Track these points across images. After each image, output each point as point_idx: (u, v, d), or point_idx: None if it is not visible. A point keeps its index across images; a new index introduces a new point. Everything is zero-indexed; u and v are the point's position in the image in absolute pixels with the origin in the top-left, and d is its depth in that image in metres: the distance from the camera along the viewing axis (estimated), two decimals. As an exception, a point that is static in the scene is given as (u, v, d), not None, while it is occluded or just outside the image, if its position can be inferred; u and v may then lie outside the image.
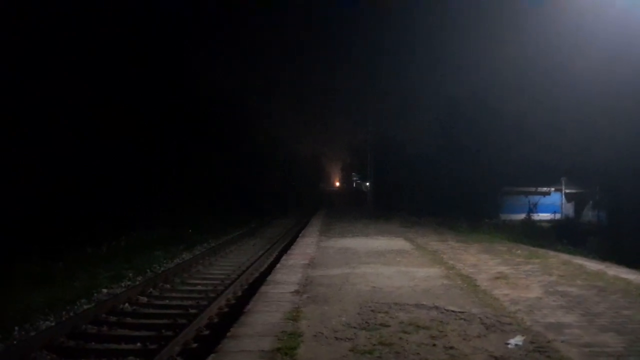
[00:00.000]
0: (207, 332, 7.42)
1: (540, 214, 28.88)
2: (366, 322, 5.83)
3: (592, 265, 10.33)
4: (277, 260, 13.74)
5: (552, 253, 12.27)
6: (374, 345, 5.02)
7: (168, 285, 10.76)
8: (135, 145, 25.36)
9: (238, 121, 37.45)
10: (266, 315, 6.07)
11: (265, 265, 13.45)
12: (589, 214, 31.80)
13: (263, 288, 7.59)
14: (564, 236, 18.69)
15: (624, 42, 24.70)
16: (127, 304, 9.02)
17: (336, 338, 5.24)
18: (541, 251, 12.60)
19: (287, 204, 45.15)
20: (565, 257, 11.62)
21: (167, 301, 9.50)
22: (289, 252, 11.72)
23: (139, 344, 6.96)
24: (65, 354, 6.53)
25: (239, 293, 10.05)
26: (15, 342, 6.85)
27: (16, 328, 7.34)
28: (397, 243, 13.71)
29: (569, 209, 33.32)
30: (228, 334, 5.32)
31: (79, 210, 20.40)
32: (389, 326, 5.72)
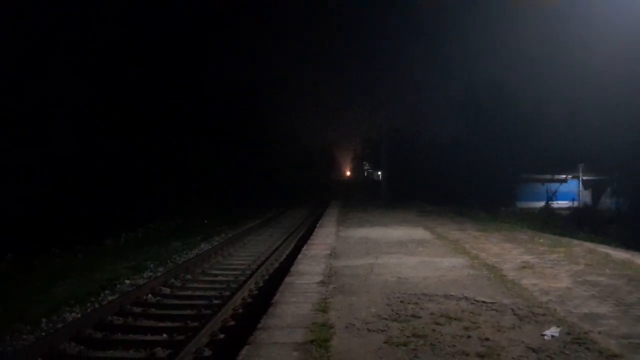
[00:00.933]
0: (232, 323, 7.40)
1: (558, 202, 28.53)
2: (396, 314, 5.76)
3: (618, 253, 10.16)
4: (296, 250, 13.72)
5: (575, 242, 12.09)
6: (408, 337, 4.95)
7: (189, 276, 10.77)
8: (149, 140, 25.51)
9: (254, 114, 37.47)
10: (294, 306, 6.01)
11: (285, 256, 13.42)
12: (606, 201, 31.38)
13: (288, 279, 7.54)
14: (584, 224, 18.46)
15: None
16: (150, 295, 9.02)
17: (368, 330, 5.17)
18: (564, 240, 12.43)
19: (301, 194, 45.15)
20: (589, 245, 11.44)
21: (190, 292, 9.50)
22: (309, 242, 11.66)
23: (165, 335, 6.95)
24: (93, 346, 6.53)
25: (261, 283, 10.03)
26: (43, 334, 6.88)
27: (43, 320, 7.37)
28: (417, 232, 13.59)
29: (586, 196, 32.89)
30: (259, 325, 5.28)
31: (95, 205, 20.62)
32: (420, 317, 5.64)
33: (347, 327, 5.28)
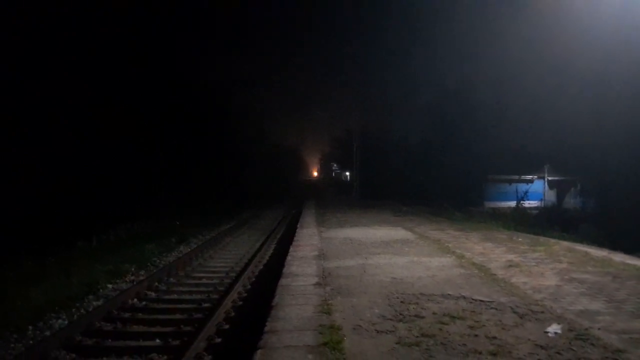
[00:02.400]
0: (227, 327, 7.29)
1: (529, 202, 29.35)
2: (400, 314, 5.78)
3: (596, 252, 10.50)
4: (278, 252, 13.68)
5: (552, 240, 12.43)
6: (417, 337, 4.98)
7: (173, 279, 10.56)
8: (122, 143, 25.03)
9: (224, 114, 37.08)
10: (297, 309, 5.97)
11: (267, 257, 13.34)
12: (570, 201, 32.49)
13: (283, 281, 7.47)
14: (553, 223, 19.00)
15: (600, 30, 25.20)
16: (136, 300, 8.81)
17: (377, 331, 5.18)
18: (542, 238, 12.77)
19: (272, 194, 44.92)
20: (566, 244, 11.78)
21: (176, 295, 9.32)
22: (294, 243, 11.59)
23: (158, 341, 6.79)
24: (86, 353, 6.32)
25: (249, 286, 9.93)
26: (31, 342, 6.61)
27: (30, 327, 7.09)
28: (398, 233, 13.72)
29: (551, 196, 33.96)
30: (266, 328, 5.21)
31: (60, 207, 20.05)
32: (423, 317, 5.68)
33: (354, 328, 5.27)
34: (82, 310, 8.11)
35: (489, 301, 6.37)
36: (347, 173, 77.10)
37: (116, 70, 23.43)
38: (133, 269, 11.50)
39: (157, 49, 27.98)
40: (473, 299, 6.47)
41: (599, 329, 5.31)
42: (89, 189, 22.87)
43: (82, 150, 22.66)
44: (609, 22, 24.24)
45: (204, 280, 10.56)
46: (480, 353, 4.56)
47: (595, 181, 26.56)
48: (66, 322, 7.47)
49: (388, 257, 9.66)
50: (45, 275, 10.85)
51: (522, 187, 31.94)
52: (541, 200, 32.39)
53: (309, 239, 12.23)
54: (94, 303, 8.57)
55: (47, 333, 6.95)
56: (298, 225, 15.68)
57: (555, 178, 34.68)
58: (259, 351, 4.54)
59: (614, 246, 12.43)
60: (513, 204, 28.65)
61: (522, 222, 18.32)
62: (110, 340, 6.80)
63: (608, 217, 19.60)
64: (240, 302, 8.67)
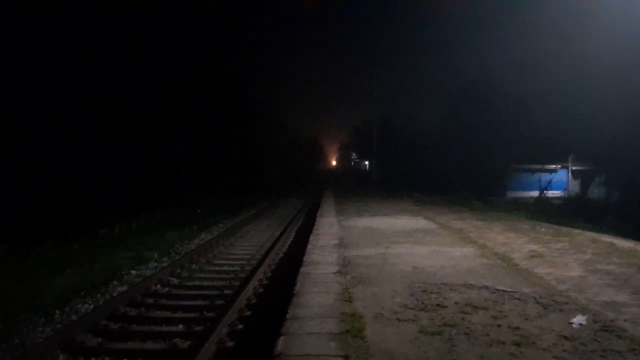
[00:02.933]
0: (249, 313, 7.36)
1: (552, 192, 28.93)
2: (422, 303, 5.76)
3: (622, 243, 10.30)
4: (297, 240, 13.74)
5: (576, 231, 12.24)
6: (440, 326, 4.96)
7: (195, 266, 10.70)
8: (140, 133, 25.32)
9: (245, 104, 37.25)
10: (318, 296, 5.99)
11: (287, 246, 13.41)
12: (594, 191, 31.91)
13: (304, 269, 7.50)
14: (577, 213, 18.71)
15: (627, 21, 24.59)
16: (159, 286, 8.95)
17: (399, 320, 5.17)
18: (565, 229, 12.58)
19: (291, 184, 45.09)
20: (590, 234, 11.59)
21: (198, 282, 9.44)
22: (314, 231, 11.62)
23: (181, 326, 6.89)
24: (111, 337, 6.44)
25: (269, 274, 10.00)
26: (58, 326, 6.77)
27: (57, 311, 7.26)
28: (419, 222, 13.65)
29: (575, 186, 33.37)
30: (288, 315, 5.24)
31: (90, 197, 20.44)
32: (445, 307, 5.65)
33: (375, 317, 5.27)
34: (107, 296, 8.27)
35: (511, 291, 6.30)
36: (366, 162, 76.95)
37: (141, 60, 23.65)
38: (156, 256, 11.67)
39: (181, 40, 28.15)
40: (496, 289, 6.41)
41: (625, 320, 5.22)
42: (112, 179, 23.24)
43: (106, 141, 23.03)
44: (637, 12, 23.66)
45: (225, 268, 10.68)
46: (503, 343, 4.52)
47: (620, 171, 25.99)
48: (92, 307, 7.63)
49: (409, 246, 9.62)
50: (70, 261, 11.09)
51: (546, 176, 31.48)
52: (565, 190, 31.87)
53: (329, 228, 12.25)
54: (119, 289, 8.73)
55: (74, 317, 7.11)
56: (318, 214, 15.71)
57: (579, 168, 34.06)
58: (281, 337, 4.58)
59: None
60: (536, 193, 28.31)
61: (545, 212, 18.04)
62: (134, 325, 6.92)
63: (633, 207, 19.19)
64: (262, 290, 8.74)
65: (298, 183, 48.27)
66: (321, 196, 25.82)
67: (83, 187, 21.47)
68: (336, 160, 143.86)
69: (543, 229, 12.30)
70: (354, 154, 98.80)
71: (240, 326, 6.79)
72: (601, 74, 30.97)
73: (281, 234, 15.02)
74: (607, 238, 10.99)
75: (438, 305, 5.72)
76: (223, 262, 11.29)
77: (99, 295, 8.27)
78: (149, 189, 25.00)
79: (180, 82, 27.91)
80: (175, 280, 9.43)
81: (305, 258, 8.41)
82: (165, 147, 27.95)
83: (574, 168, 34.13)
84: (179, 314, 7.41)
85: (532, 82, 35.73)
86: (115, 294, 8.31)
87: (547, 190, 27.20)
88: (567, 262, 8.25)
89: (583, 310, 5.55)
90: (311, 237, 10.70)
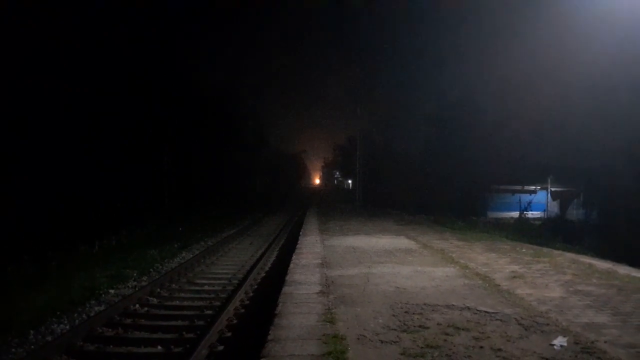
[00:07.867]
0: (229, 334, 7.24)
1: (532, 212, 29.29)
2: (404, 324, 5.74)
3: (601, 264, 10.43)
4: (279, 260, 13.64)
5: (556, 252, 12.36)
6: (422, 348, 4.94)
7: (175, 286, 10.53)
8: (121, 150, 25.15)
9: (228, 121, 37.24)
10: (300, 317, 5.93)
11: (269, 265, 13.30)
12: (573, 212, 32.37)
13: (286, 288, 7.43)
14: (557, 234, 18.94)
15: (603, 41, 25.30)
16: (137, 305, 8.78)
17: (381, 341, 5.14)
18: (545, 250, 12.70)
19: (274, 201, 44.93)
20: (570, 255, 11.72)
21: (178, 302, 9.28)
22: (297, 250, 11.56)
23: (160, 347, 6.75)
24: (88, 359, 6.28)
25: (251, 293, 9.89)
26: (33, 347, 6.58)
27: (31, 332, 7.06)
28: (402, 242, 13.67)
29: (554, 206, 33.85)
30: (269, 337, 5.17)
31: (62, 212, 20.10)
32: (428, 328, 5.64)
33: (358, 338, 5.23)
34: (84, 315, 8.08)
35: (493, 312, 6.32)
36: (350, 181, 77.16)
37: (115, 76, 23.55)
38: (135, 275, 11.48)
39: (162, 55, 28.13)
40: (478, 310, 6.42)
41: (605, 342, 5.26)
42: (92, 195, 22.93)
43: (84, 156, 22.78)
44: (612, 32, 24.35)
45: (206, 287, 10.53)
46: (485, 365, 4.51)
47: (598, 193, 26.47)
48: (68, 327, 7.44)
49: (391, 266, 9.61)
50: (47, 279, 10.85)
51: (525, 197, 31.88)
52: (544, 211, 32.30)
53: (312, 247, 12.20)
54: (96, 308, 8.55)
55: (49, 338, 6.92)
56: (300, 233, 15.64)
57: (558, 189, 34.60)
58: (262, 359, 4.51)
59: (617, 258, 12.36)
60: (516, 214, 28.59)
61: (525, 232, 18.23)
62: (111, 346, 6.76)
63: (611, 229, 19.52)
64: (243, 310, 8.63)
65: (281, 200, 48.13)
66: (304, 214, 25.73)
67: (62, 203, 21.16)
68: (320, 178, 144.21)
69: (524, 250, 12.41)
70: (337, 173, 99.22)
71: (221, 347, 6.67)
72: (580, 94, 31.67)
73: (264, 253, 14.89)
74: (586, 259, 11.12)
75: (420, 326, 5.70)
76: (204, 281, 11.13)
77: (75, 315, 8.07)
78: (130, 206, 24.73)
79: (163, 99, 27.81)
80: (154, 300, 9.26)
81: (287, 277, 8.35)
82: (146, 164, 27.75)
83: (553, 189, 34.66)
84: (158, 335, 7.27)
85: (512, 104, 36.41)
86: (92, 314, 8.13)
87: (527, 211, 27.56)
88: (547, 283, 8.31)
89: (564, 332, 5.58)
90: (294, 256, 10.63)
